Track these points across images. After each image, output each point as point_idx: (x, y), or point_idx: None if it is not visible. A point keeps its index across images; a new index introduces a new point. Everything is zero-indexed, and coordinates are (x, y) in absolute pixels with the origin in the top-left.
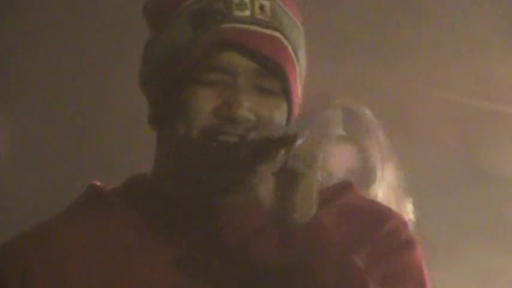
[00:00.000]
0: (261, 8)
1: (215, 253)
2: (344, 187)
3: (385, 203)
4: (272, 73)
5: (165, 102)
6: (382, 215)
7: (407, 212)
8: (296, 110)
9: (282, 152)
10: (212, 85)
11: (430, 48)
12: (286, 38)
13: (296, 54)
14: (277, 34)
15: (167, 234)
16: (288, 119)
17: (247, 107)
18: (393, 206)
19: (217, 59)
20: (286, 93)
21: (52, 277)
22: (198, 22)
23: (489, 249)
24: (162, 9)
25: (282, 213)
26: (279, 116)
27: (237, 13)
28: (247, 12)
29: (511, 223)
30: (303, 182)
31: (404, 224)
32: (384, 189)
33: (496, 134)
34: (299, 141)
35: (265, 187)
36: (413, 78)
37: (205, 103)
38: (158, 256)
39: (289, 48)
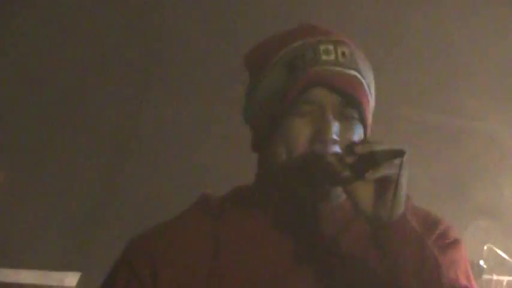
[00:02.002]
0: (343, 53)
1: (315, 246)
2: (406, 197)
3: None
4: (351, 104)
5: (269, 131)
6: (434, 219)
7: None
8: (369, 132)
9: (384, 164)
10: (306, 116)
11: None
12: (362, 76)
13: (369, 89)
14: (355, 73)
15: (273, 233)
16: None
17: (334, 132)
18: None
19: (310, 94)
20: (362, 119)
21: (175, 271)
22: (293, 66)
23: None
24: (261, 61)
25: (380, 213)
26: (358, 137)
27: (324, 57)
28: (332, 57)
29: None
30: (397, 186)
31: (451, 227)
32: None
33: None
34: (406, 156)
35: (366, 191)
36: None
37: (301, 131)
38: (272, 248)
39: (364, 84)
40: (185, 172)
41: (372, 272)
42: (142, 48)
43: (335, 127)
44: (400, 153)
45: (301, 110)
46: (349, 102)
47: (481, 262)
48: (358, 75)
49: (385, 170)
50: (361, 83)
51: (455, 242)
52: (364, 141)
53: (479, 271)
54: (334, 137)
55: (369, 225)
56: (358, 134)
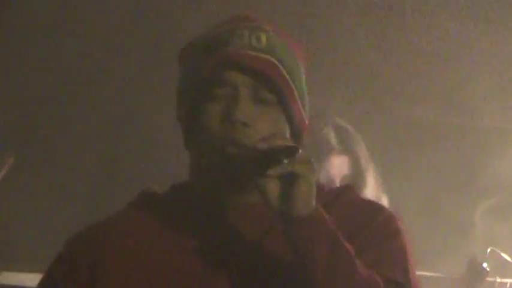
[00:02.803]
0: (257, 38)
1: (229, 244)
2: (346, 188)
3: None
4: (267, 88)
5: (188, 124)
6: (376, 209)
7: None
8: (302, 127)
9: (286, 160)
10: (218, 99)
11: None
12: (279, 61)
13: (293, 79)
14: (268, 57)
15: (195, 230)
16: (294, 133)
17: (246, 114)
18: None
19: (221, 76)
20: (282, 105)
21: (114, 260)
22: (208, 49)
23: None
24: (188, 52)
25: (287, 208)
26: (274, 123)
27: (237, 40)
28: (245, 40)
29: None
30: (304, 180)
31: (393, 216)
32: (369, 190)
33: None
34: (300, 151)
35: (272, 188)
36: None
37: (213, 115)
38: (182, 246)
39: (282, 69)
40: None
41: (287, 270)
42: (144, 46)
43: (247, 109)
44: (294, 150)
45: (213, 92)
46: (266, 86)
47: (484, 264)
48: (273, 60)
49: (284, 167)
50: (277, 67)
51: (396, 233)
52: (276, 136)
53: (483, 274)
54: (244, 118)
55: (279, 222)
56: (275, 119)
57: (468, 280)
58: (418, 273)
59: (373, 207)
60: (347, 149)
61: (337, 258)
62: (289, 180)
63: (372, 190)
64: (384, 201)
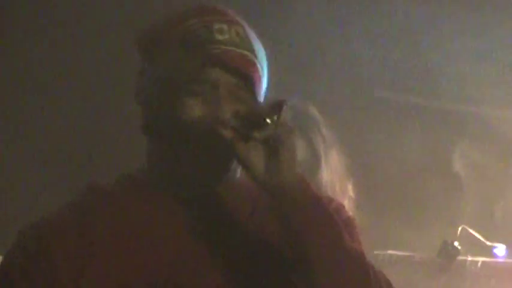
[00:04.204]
0: (237, 33)
1: (212, 226)
2: None
3: (329, 183)
4: (246, 86)
5: (163, 112)
6: (328, 198)
7: (349, 189)
8: None
9: (269, 121)
10: (199, 96)
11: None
12: (255, 56)
13: (262, 70)
14: (248, 53)
15: (170, 216)
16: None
17: (226, 111)
18: (337, 186)
19: (204, 74)
20: (257, 101)
21: (69, 252)
22: (187, 45)
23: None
24: (156, 40)
25: (272, 177)
26: None
27: (218, 37)
28: (226, 36)
29: None
30: (288, 146)
31: (343, 206)
32: (329, 173)
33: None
34: (285, 107)
35: (257, 155)
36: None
37: (193, 112)
38: (163, 232)
39: (257, 65)
40: None
41: (277, 247)
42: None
43: (227, 106)
44: (281, 105)
45: (194, 89)
46: (243, 83)
47: (456, 243)
48: (252, 56)
49: (270, 129)
50: (254, 64)
51: (350, 219)
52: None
53: (454, 252)
54: (226, 115)
55: (265, 192)
56: None
57: (439, 259)
58: (391, 252)
59: (325, 197)
60: (301, 132)
61: (328, 224)
62: (272, 148)
63: (330, 174)
64: (349, 187)
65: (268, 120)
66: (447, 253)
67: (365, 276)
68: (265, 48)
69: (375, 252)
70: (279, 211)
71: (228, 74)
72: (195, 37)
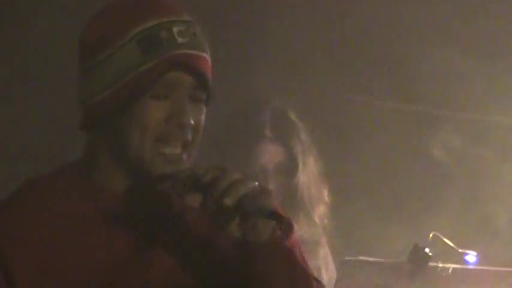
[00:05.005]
0: (194, 34)
1: (160, 232)
2: None
3: (306, 188)
4: (203, 86)
5: (117, 112)
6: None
7: (324, 195)
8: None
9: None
10: (161, 98)
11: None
12: (208, 55)
13: (212, 69)
14: (206, 55)
15: (114, 213)
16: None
17: (189, 113)
18: (313, 191)
19: (167, 77)
20: (207, 100)
21: (24, 252)
22: (148, 47)
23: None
24: (108, 37)
25: (248, 237)
26: (204, 119)
27: (180, 40)
28: (187, 39)
29: None
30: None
31: (292, 227)
32: (305, 178)
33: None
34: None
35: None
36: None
37: (157, 113)
38: (106, 231)
39: (210, 62)
40: None
41: (209, 245)
42: None
43: (190, 110)
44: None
45: (156, 92)
46: (201, 84)
47: (427, 249)
48: (207, 56)
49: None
50: (209, 63)
51: (297, 242)
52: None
53: (425, 258)
54: (190, 120)
55: (236, 249)
56: (204, 115)
57: (410, 265)
58: (361, 258)
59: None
60: (280, 136)
61: (297, 280)
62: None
63: (306, 179)
64: (324, 192)
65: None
66: (417, 258)
67: None
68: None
69: (346, 258)
70: (251, 271)
71: (189, 76)
72: (157, 40)
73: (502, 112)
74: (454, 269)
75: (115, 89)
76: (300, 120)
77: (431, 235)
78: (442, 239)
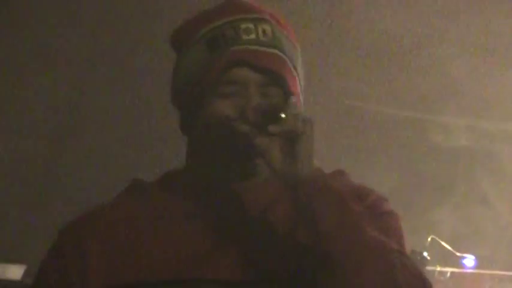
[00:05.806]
0: (263, 32)
1: (238, 224)
2: (338, 172)
3: None
4: (275, 83)
5: (192, 112)
6: (366, 191)
7: None
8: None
9: (283, 115)
10: (228, 96)
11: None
12: (284, 54)
13: (295, 67)
14: (276, 51)
15: (196, 211)
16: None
17: (259, 111)
18: None
19: (231, 74)
20: (287, 97)
21: (103, 246)
22: (214, 46)
23: None
24: (184, 39)
25: (290, 168)
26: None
27: (245, 37)
28: (253, 36)
29: None
30: (304, 139)
31: (384, 199)
32: None
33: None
34: (293, 99)
35: (273, 148)
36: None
37: (224, 110)
38: (187, 227)
39: (288, 62)
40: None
41: (298, 246)
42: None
43: (257, 107)
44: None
45: (223, 90)
46: (273, 81)
47: (425, 253)
48: (280, 53)
49: (287, 123)
50: (284, 61)
51: (390, 213)
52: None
53: (423, 262)
54: (259, 117)
55: (284, 186)
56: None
57: None
58: None
59: (365, 189)
60: None
61: (347, 218)
62: (290, 140)
63: None
64: None
65: (283, 115)
66: (416, 263)
67: (386, 267)
68: None
69: None
70: (296, 201)
71: (256, 73)
72: (222, 38)
73: (500, 116)
74: (452, 273)
75: (187, 90)
76: None
77: (429, 239)
78: (440, 243)
